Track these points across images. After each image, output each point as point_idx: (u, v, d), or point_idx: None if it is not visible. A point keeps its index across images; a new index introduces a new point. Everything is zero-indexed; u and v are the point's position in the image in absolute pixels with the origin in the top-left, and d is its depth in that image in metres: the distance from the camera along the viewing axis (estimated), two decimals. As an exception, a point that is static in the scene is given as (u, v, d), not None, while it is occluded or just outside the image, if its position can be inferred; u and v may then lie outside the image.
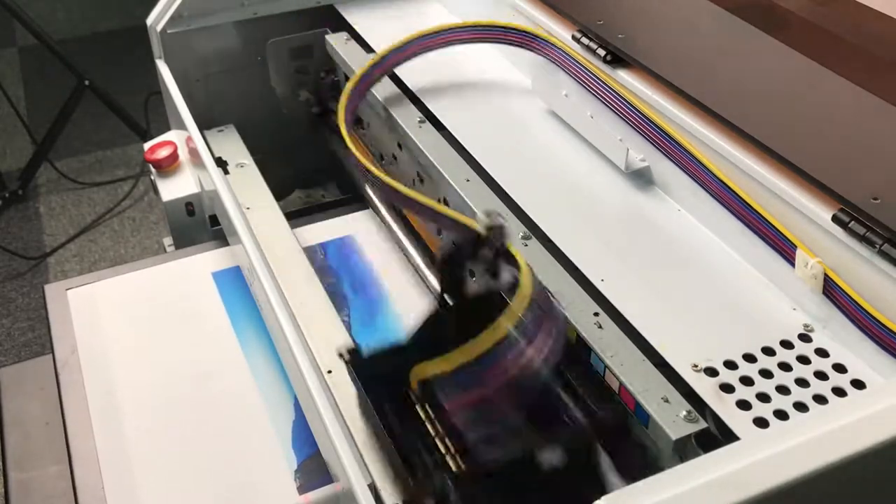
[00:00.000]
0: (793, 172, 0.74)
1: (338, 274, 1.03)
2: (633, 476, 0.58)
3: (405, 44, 1.06)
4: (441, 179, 0.93)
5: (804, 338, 0.71)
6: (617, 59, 0.94)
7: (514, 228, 0.84)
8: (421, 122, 1.01)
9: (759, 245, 0.77)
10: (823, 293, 0.71)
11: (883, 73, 0.85)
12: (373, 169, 0.91)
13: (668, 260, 0.81)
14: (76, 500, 0.78)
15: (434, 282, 0.96)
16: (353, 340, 0.87)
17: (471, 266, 0.80)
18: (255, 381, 0.90)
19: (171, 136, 1.20)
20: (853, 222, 0.68)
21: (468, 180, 0.91)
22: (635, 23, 0.99)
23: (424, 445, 0.69)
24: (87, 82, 2.28)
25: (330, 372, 0.84)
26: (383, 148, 1.12)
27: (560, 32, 1.01)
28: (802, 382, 0.67)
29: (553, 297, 0.73)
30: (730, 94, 0.84)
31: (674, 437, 0.64)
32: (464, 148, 0.96)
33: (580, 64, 0.96)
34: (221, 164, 1.17)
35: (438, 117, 1.01)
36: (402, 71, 1.10)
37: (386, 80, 1.09)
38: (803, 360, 0.69)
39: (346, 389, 0.82)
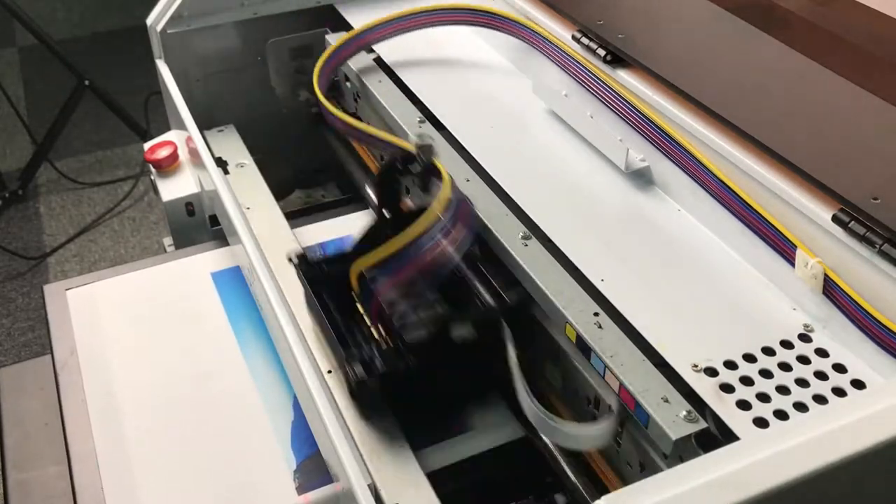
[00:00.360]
0: (793, 172, 0.74)
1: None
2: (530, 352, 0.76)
3: (385, 21, 1.10)
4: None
5: (804, 338, 0.71)
6: (617, 59, 0.94)
7: (515, 228, 0.84)
8: (421, 122, 1.01)
9: (759, 245, 0.77)
10: (823, 293, 0.71)
11: (883, 73, 0.85)
12: (326, 104, 1.03)
13: (668, 260, 0.80)
14: (75, 501, 0.78)
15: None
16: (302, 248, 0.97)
17: (404, 181, 0.92)
18: (255, 381, 0.90)
19: (171, 136, 1.20)
20: (853, 222, 0.68)
21: (468, 180, 0.91)
22: (635, 23, 0.99)
23: (360, 332, 0.83)
24: (87, 82, 2.28)
25: (330, 372, 0.84)
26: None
27: (560, 32, 1.01)
28: (802, 382, 0.67)
29: (469, 201, 0.84)
30: (730, 94, 0.84)
31: (674, 437, 0.64)
32: (464, 148, 0.96)
33: (580, 64, 0.96)
34: (221, 164, 1.17)
35: (438, 117, 1.01)
36: (401, 70, 1.10)
37: (385, 80, 1.09)
38: (803, 360, 0.69)
39: (345, 389, 0.82)
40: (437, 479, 0.77)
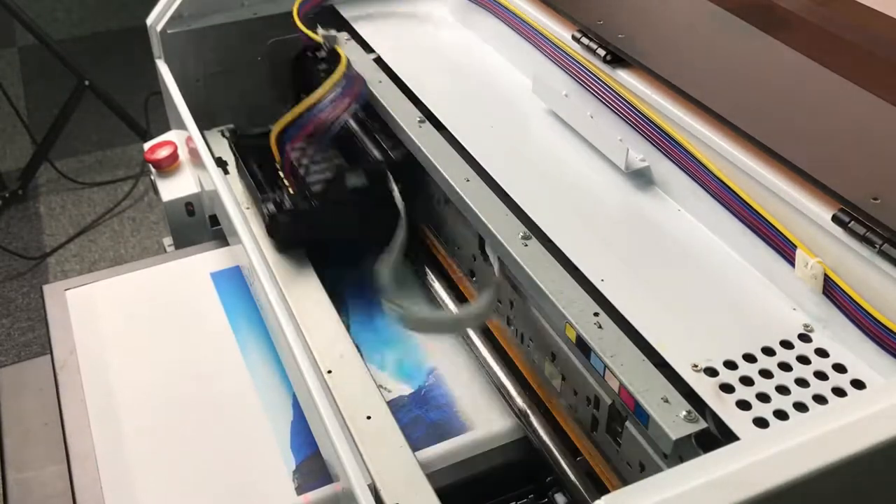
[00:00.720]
0: (793, 172, 0.74)
1: (337, 273, 1.03)
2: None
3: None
4: (441, 179, 0.92)
5: (804, 338, 0.71)
6: (617, 59, 0.94)
7: (515, 228, 0.84)
8: (421, 122, 1.01)
9: (759, 245, 0.77)
10: (823, 293, 0.71)
11: (883, 73, 0.85)
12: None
13: (668, 260, 0.80)
14: (74, 501, 0.78)
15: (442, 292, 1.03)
16: (236, 131, 1.22)
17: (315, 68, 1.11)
18: (254, 381, 0.90)
19: (171, 136, 1.20)
20: (853, 222, 0.68)
21: (468, 180, 0.91)
22: (635, 23, 0.99)
23: (278, 187, 1.03)
24: (87, 82, 2.28)
25: (330, 372, 0.84)
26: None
27: (560, 32, 1.01)
28: (802, 382, 0.67)
29: (362, 78, 1.05)
30: (730, 94, 0.84)
31: (674, 437, 0.64)
32: (464, 148, 0.96)
33: (580, 64, 0.96)
34: (221, 164, 1.16)
35: (438, 117, 1.01)
36: (401, 70, 1.10)
37: (386, 80, 1.09)
38: (803, 360, 0.69)
39: (346, 389, 0.82)
40: (437, 479, 0.77)
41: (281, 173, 1.04)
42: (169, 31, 1.22)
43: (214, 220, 1.13)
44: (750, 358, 0.69)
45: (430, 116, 1.02)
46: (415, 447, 0.79)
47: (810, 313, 0.73)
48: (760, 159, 0.77)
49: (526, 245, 0.82)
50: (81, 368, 0.90)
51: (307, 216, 0.97)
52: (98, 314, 0.98)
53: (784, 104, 0.83)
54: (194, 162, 1.14)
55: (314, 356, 0.85)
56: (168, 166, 1.15)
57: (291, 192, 1.01)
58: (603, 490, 0.78)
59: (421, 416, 0.88)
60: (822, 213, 0.71)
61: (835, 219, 0.69)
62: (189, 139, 1.10)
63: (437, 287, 1.02)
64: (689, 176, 0.84)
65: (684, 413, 0.65)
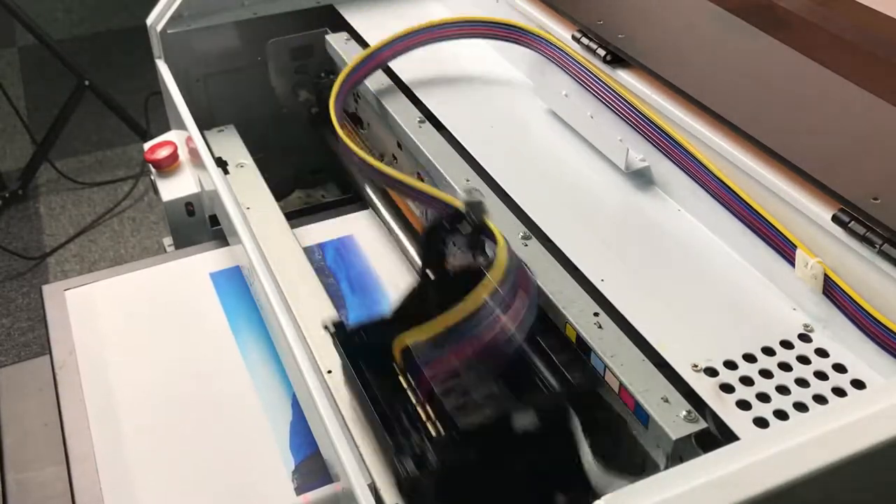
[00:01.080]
0: (793, 172, 0.74)
1: (337, 274, 1.03)
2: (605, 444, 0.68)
3: (397, 38, 1.07)
4: (441, 179, 0.92)
5: (804, 338, 0.71)
6: (617, 59, 0.94)
7: (515, 228, 0.84)
8: (421, 122, 1.01)
9: (759, 245, 0.77)
10: (823, 293, 0.71)
11: (883, 73, 0.84)
12: (358, 151, 0.95)
13: (668, 260, 0.80)
14: (73, 501, 0.78)
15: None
16: (339, 314, 0.92)
17: (452, 240, 0.82)
18: (253, 382, 0.89)
19: (171, 136, 1.20)
20: (853, 222, 0.68)
21: (468, 180, 0.91)
22: (635, 23, 0.99)
23: (406, 413, 0.73)
24: (87, 82, 2.28)
25: (330, 372, 0.84)
26: (383, 148, 1.12)
27: (560, 32, 1.01)
28: (802, 382, 0.67)
29: (528, 268, 0.76)
30: (730, 94, 0.84)
31: (674, 437, 0.64)
32: (464, 148, 0.96)
33: (580, 64, 0.96)
34: (221, 164, 1.16)
35: (438, 117, 1.01)
36: (401, 70, 1.10)
37: (385, 80, 1.09)
38: (803, 360, 0.69)
39: (346, 390, 0.82)
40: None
41: (408, 390, 0.75)
42: (169, 31, 1.22)
43: (214, 220, 1.13)
44: (750, 358, 0.69)
45: (430, 116, 1.02)
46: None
47: (810, 313, 0.73)
48: (760, 159, 0.77)
49: (526, 245, 0.82)
50: (81, 369, 0.90)
51: (458, 473, 0.69)
52: (97, 314, 0.98)
53: (784, 104, 0.83)
54: (194, 162, 1.14)
55: (314, 356, 0.85)
56: (168, 166, 1.15)
57: (430, 430, 0.71)
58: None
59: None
60: (822, 213, 0.71)
61: (835, 219, 0.69)
62: (189, 139, 1.10)
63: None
64: (689, 176, 0.84)
65: (684, 413, 0.65)
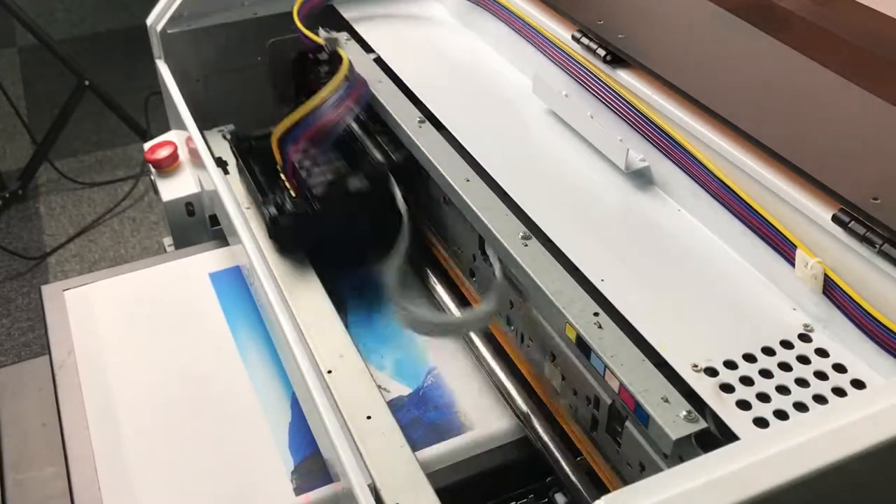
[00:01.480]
0: (793, 172, 0.73)
1: (337, 274, 1.03)
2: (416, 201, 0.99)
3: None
4: (441, 179, 0.92)
5: (804, 338, 0.71)
6: (617, 59, 0.93)
7: (515, 228, 0.84)
8: (421, 122, 1.00)
9: (760, 245, 0.77)
10: (823, 293, 0.71)
11: (883, 73, 0.84)
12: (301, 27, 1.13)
13: (667, 260, 0.80)
14: (72, 501, 0.78)
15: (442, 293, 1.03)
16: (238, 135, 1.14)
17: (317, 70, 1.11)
18: (252, 382, 0.89)
19: (171, 136, 1.20)
20: (853, 222, 0.68)
21: (468, 180, 0.91)
22: (635, 23, 0.99)
23: (279, 189, 1.01)
24: (87, 82, 2.28)
25: (330, 372, 0.84)
26: (383, 148, 1.12)
27: (560, 32, 1.01)
28: (802, 382, 0.67)
29: (365, 81, 1.04)
30: (730, 94, 0.84)
31: (674, 437, 0.64)
32: (464, 148, 0.96)
33: (580, 64, 0.96)
34: (221, 164, 1.16)
35: (438, 117, 1.01)
36: (401, 70, 1.10)
37: (386, 81, 1.09)
38: (803, 360, 0.69)
39: (346, 390, 0.82)
40: (437, 479, 0.77)
41: (282, 176, 1.03)
42: (169, 31, 1.22)
43: (214, 220, 1.13)
44: (750, 358, 0.69)
45: (430, 116, 1.02)
46: (414, 447, 0.79)
47: (810, 313, 0.73)
48: (760, 159, 0.77)
49: (526, 245, 0.82)
50: (80, 369, 0.90)
51: (308, 219, 0.96)
52: (96, 315, 0.98)
53: (784, 104, 0.83)
54: (194, 162, 1.14)
55: (314, 356, 0.85)
56: (168, 166, 1.15)
57: (293, 194, 0.99)
58: (603, 490, 0.78)
59: (420, 417, 0.88)
60: (822, 213, 0.71)
61: (835, 219, 0.69)
62: (189, 139, 1.10)
63: (439, 289, 1.02)
64: (689, 176, 0.83)
65: (684, 413, 0.65)
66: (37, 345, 1.90)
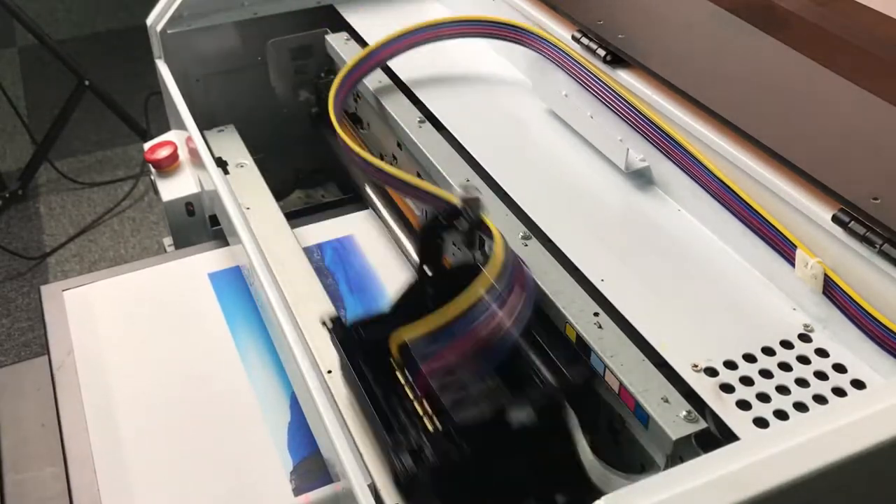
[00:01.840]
0: (793, 172, 0.73)
1: (337, 274, 1.03)
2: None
3: (396, 37, 1.07)
4: (441, 179, 0.92)
5: (804, 338, 0.71)
6: (617, 59, 0.93)
7: (515, 228, 0.84)
8: (421, 122, 1.00)
9: (760, 245, 0.77)
10: (823, 293, 0.71)
11: (883, 73, 0.84)
12: (358, 149, 0.96)
13: (668, 260, 0.80)
14: (71, 501, 0.78)
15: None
16: (336, 310, 0.92)
17: (449, 237, 0.82)
18: (251, 382, 0.89)
19: (171, 136, 1.20)
20: (853, 222, 0.68)
21: (468, 180, 0.91)
22: (635, 23, 0.99)
23: (404, 410, 0.73)
24: (87, 82, 2.28)
25: (330, 372, 0.84)
26: (383, 148, 1.12)
27: (560, 32, 1.01)
28: (802, 382, 0.67)
29: (524, 264, 0.76)
30: (730, 94, 0.84)
31: (674, 437, 0.64)
32: (464, 148, 0.96)
33: (580, 64, 0.96)
34: (221, 164, 1.16)
35: (438, 117, 1.01)
36: (401, 70, 1.10)
37: (385, 81, 1.09)
38: (803, 360, 0.69)
39: (346, 389, 0.82)
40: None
41: (405, 385, 0.75)
42: (169, 31, 1.22)
43: (214, 220, 1.13)
44: (750, 358, 0.69)
45: (430, 116, 1.02)
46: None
47: (810, 313, 0.73)
48: (760, 159, 0.77)
49: (526, 245, 0.82)
50: (79, 369, 0.90)
51: (455, 467, 0.68)
52: (95, 315, 0.98)
53: (784, 104, 0.83)
54: (194, 162, 1.14)
55: (314, 356, 0.85)
56: (168, 166, 1.15)
57: (427, 425, 0.71)
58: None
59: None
60: (822, 213, 0.70)
61: (835, 219, 0.69)
62: (189, 139, 1.10)
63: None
64: (689, 176, 0.83)
65: (684, 413, 0.65)
66: (36, 345, 1.90)
